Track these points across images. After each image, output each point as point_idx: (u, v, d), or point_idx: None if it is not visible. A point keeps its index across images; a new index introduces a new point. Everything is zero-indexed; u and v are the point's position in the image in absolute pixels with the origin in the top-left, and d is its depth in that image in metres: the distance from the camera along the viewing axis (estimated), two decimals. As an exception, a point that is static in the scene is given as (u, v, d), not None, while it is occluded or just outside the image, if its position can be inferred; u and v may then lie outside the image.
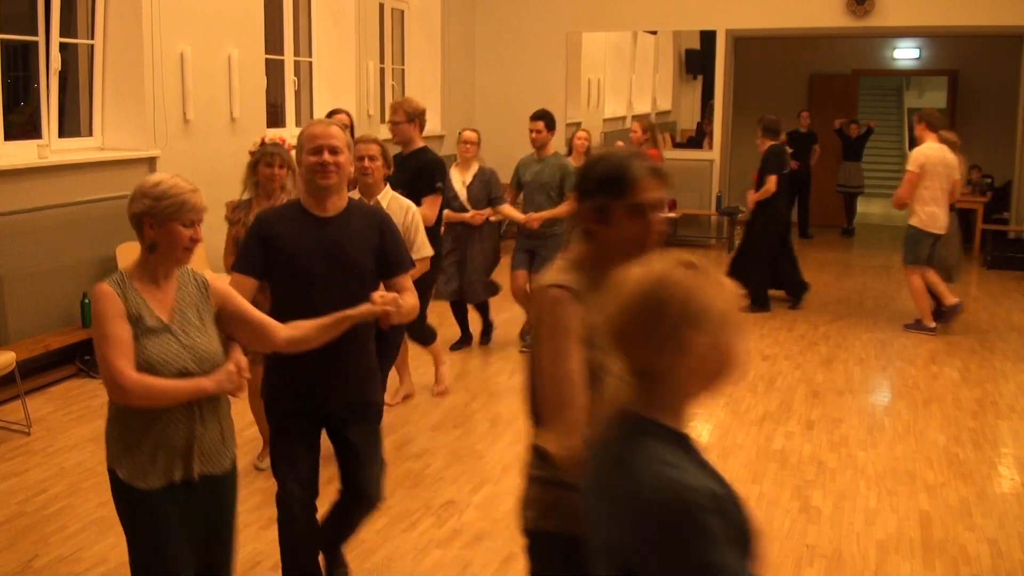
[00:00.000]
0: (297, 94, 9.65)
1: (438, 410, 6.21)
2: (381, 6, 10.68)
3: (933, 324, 8.36)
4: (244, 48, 8.24)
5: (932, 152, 8.05)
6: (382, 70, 10.90)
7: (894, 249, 13.61)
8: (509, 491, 4.84)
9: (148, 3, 7.23)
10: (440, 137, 11.48)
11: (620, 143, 9.68)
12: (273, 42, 9.10)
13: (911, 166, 8.04)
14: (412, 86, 11.54)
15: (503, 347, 7.72)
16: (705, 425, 5.96)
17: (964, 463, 5.48)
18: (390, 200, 5.06)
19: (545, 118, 7.56)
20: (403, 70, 11.60)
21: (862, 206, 15.82)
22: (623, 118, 12.72)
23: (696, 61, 12.91)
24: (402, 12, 11.43)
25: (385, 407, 3.98)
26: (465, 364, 7.31)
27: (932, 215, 8.11)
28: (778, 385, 6.87)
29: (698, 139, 13.05)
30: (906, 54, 16.21)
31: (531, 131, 7.51)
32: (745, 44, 12.86)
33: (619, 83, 13.92)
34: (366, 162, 4.96)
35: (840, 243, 14.05)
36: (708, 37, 12.56)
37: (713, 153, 12.57)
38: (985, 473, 5.37)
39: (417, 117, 6.25)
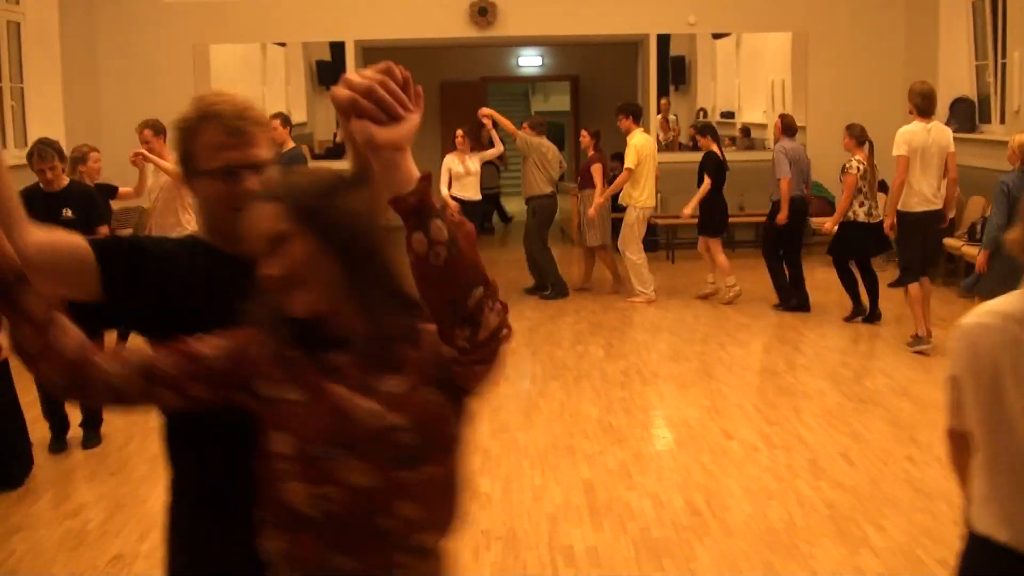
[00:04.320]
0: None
1: (91, 458, 5.61)
2: (-7, 17, 9.75)
3: None
4: None
5: None
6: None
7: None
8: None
9: None
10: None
11: None
12: None
13: None
14: (33, 106, 10.64)
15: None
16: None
17: (618, 429, 5.84)
18: None
19: None
20: (22, 88, 10.65)
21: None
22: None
23: (328, 72, 12.89)
24: (18, 25, 10.49)
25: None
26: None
27: None
28: (439, 381, 6.97)
29: (337, 149, 12.99)
30: (530, 61, 17.17)
31: None
32: (376, 54, 13.01)
33: (251, 95, 13.54)
34: None
35: (479, 241, 14.61)
36: (338, 48, 12.59)
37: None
38: (639, 436, 5.76)
39: None
